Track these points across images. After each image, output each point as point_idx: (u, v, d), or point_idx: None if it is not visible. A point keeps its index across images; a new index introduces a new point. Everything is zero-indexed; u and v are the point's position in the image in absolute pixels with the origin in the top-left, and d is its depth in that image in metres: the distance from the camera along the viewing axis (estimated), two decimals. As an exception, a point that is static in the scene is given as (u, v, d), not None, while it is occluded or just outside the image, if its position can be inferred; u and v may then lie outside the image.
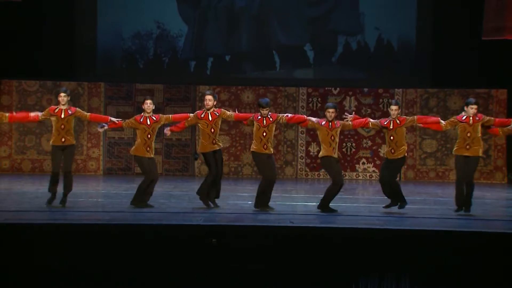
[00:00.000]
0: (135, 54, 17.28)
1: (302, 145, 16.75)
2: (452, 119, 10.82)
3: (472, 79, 16.45)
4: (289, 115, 10.87)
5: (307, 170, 16.71)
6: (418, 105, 16.64)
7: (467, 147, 10.48)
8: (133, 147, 10.79)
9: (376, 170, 16.59)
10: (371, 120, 10.88)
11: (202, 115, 10.61)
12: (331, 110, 10.43)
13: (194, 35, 17.27)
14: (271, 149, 10.55)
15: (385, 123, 10.56)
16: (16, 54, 16.51)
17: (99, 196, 12.73)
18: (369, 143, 16.70)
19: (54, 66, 16.65)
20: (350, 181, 16.35)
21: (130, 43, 17.21)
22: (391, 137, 10.52)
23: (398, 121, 10.54)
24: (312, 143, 16.64)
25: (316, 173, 16.67)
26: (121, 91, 16.80)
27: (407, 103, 16.65)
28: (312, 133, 16.53)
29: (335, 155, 10.48)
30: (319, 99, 16.73)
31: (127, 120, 10.85)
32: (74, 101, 16.54)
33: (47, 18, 16.56)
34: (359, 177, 16.69)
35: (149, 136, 10.59)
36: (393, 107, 10.54)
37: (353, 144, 16.66)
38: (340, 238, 8.85)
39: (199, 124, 10.72)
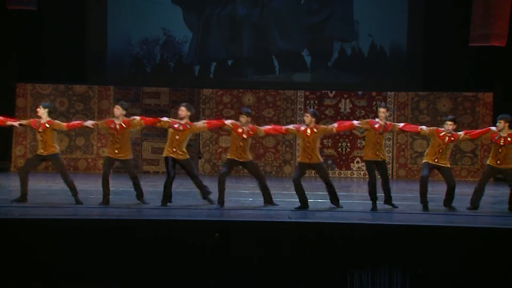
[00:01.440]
0: (142, 59, 17.24)
1: (299, 144, 16.68)
2: (432, 129, 10.68)
3: (460, 83, 16.44)
4: (266, 127, 10.83)
5: (305, 168, 16.66)
6: (409, 108, 16.60)
7: (435, 160, 10.46)
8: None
9: (370, 169, 16.55)
10: (355, 122, 10.77)
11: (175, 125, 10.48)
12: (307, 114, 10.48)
13: (198, 41, 17.24)
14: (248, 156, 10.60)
15: (376, 126, 10.47)
16: (30, 59, 16.50)
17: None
18: (363, 143, 16.60)
19: (66, 71, 16.63)
20: (345, 179, 16.32)
21: (138, 48, 17.17)
22: (378, 140, 10.47)
23: (386, 126, 10.51)
24: (309, 143, 16.57)
25: (313, 171, 16.60)
26: (129, 94, 16.75)
27: (398, 106, 16.60)
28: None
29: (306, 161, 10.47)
30: (316, 101, 16.69)
31: (99, 122, 10.80)
32: (85, 103, 16.56)
33: (60, 25, 16.53)
34: (354, 175, 16.64)
35: (117, 140, 10.48)
36: (382, 110, 10.46)
37: (348, 144, 16.62)
38: (335, 232, 8.81)
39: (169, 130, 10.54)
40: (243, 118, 10.45)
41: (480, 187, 10.60)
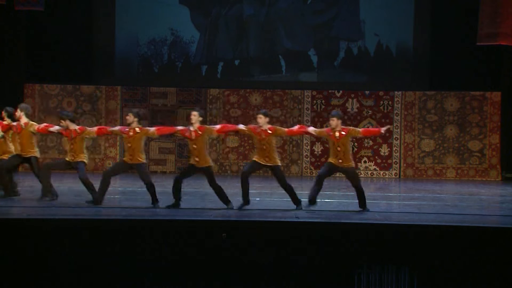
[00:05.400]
0: (150, 59, 17.24)
1: (307, 144, 16.66)
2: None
3: (468, 82, 16.37)
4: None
5: (312, 168, 16.63)
6: (417, 107, 16.54)
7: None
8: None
9: (377, 168, 16.52)
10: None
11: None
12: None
13: (205, 41, 17.22)
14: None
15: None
16: (38, 59, 16.52)
17: (116, 193, 12.65)
18: (370, 142, 16.60)
19: (74, 71, 16.65)
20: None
21: (145, 49, 17.17)
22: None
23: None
24: (317, 142, 16.56)
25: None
26: (137, 94, 16.75)
27: (406, 105, 16.55)
28: (316, 133, 16.47)
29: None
30: (323, 101, 16.65)
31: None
32: (92, 104, 16.57)
33: (68, 25, 16.55)
34: (361, 175, 16.49)
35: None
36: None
37: (355, 144, 16.56)
38: (342, 232, 8.78)
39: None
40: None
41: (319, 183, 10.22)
